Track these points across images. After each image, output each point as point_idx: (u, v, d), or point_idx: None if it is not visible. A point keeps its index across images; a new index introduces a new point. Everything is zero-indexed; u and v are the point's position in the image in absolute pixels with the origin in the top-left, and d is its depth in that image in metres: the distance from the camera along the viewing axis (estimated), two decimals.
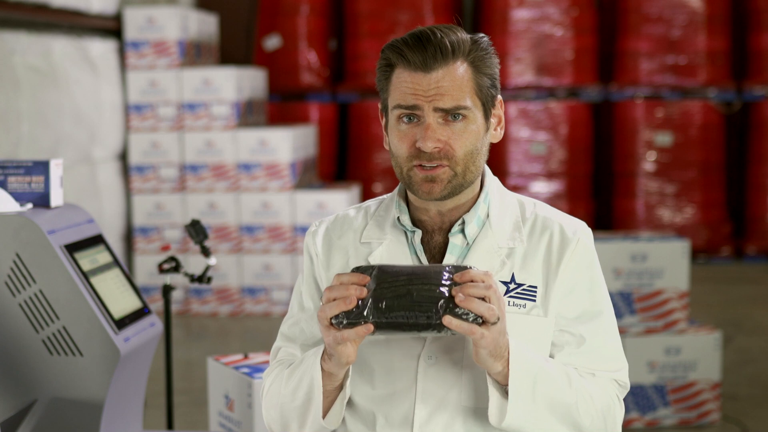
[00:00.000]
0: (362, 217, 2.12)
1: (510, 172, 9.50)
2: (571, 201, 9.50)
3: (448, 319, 1.81)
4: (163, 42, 7.63)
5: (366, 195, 8.93)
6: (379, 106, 2.06)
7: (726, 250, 9.42)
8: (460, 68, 1.94)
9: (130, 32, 7.66)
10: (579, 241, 2.04)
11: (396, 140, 1.98)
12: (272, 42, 9.61)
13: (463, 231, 2.03)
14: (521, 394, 1.90)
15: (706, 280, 8.45)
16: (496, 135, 2.05)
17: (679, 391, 4.99)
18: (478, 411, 1.98)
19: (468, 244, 2.03)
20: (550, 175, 9.49)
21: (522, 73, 9.54)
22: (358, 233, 2.09)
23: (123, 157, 7.79)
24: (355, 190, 7.90)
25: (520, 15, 9.47)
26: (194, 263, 7.33)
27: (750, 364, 6.07)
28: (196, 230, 3.77)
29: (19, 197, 3.00)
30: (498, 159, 9.58)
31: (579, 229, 2.06)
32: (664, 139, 9.40)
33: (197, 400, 5.35)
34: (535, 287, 2.01)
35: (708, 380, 4.99)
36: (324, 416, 2.00)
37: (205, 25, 8.21)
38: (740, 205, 9.69)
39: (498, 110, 2.04)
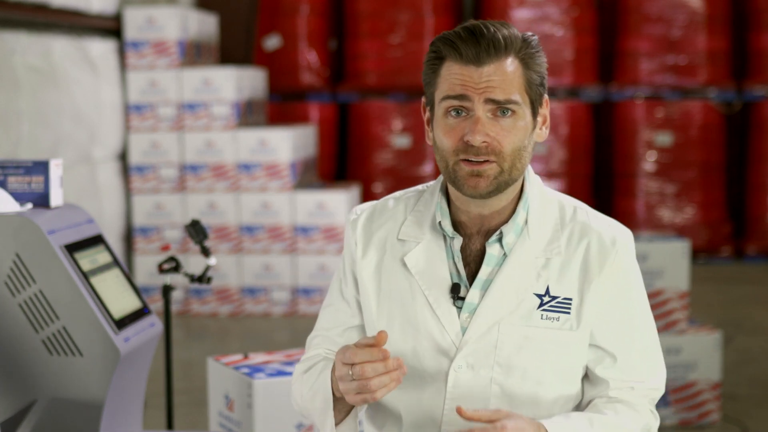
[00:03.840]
0: (402, 209, 2.10)
1: None
2: None
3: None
4: (163, 42, 7.63)
5: (366, 195, 8.93)
6: (423, 100, 2.03)
7: (726, 250, 9.42)
8: (511, 64, 1.93)
9: (130, 32, 7.66)
10: (617, 253, 2.00)
11: (442, 134, 1.96)
12: (272, 42, 9.61)
13: (500, 241, 2.01)
14: None
15: (707, 280, 8.44)
16: (541, 134, 2.02)
17: (679, 391, 4.99)
18: None
19: (505, 254, 2.00)
20: (550, 175, 9.48)
21: None
22: (397, 227, 2.07)
23: (123, 157, 7.79)
24: (355, 190, 7.90)
25: (520, 15, 9.47)
26: (194, 263, 7.32)
27: (750, 364, 6.07)
28: (196, 230, 3.77)
29: (19, 197, 2.99)
30: None
31: (618, 238, 2.02)
32: (665, 139, 9.40)
33: (197, 400, 5.35)
34: (570, 299, 1.99)
35: (708, 380, 4.99)
36: (338, 425, 2.00)
37: (204, 25, 8.21)
38: (740, 205, 9.69)
39: (544, 109, 2.02)
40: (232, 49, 8.71)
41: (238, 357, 3.46)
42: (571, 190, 9.50)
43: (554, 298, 1.98)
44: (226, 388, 3.36)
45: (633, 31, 9.49)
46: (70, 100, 6.94)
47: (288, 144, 7.51)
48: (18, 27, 6.57)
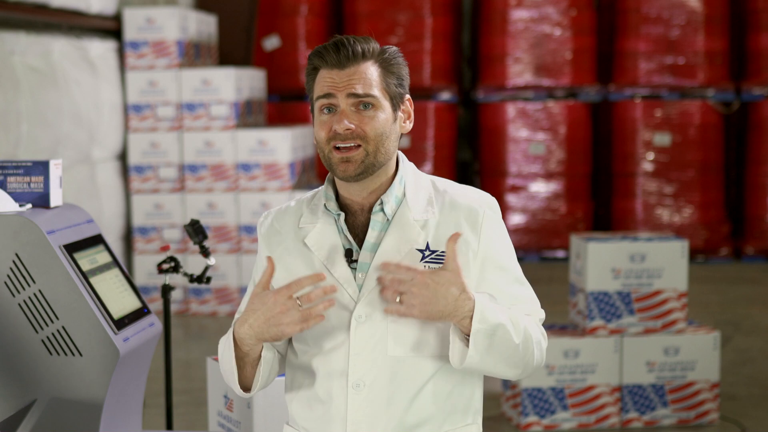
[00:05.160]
0: (299, 206, 2.47)
1: (509, 172, 9.50)
2: (570, 201, 9.51)
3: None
4: (162, 42, 7.64)
5: None
6: (310, 107, 2.40)
7: (724, 250, 9.43)
8: (370, 68, 2.34)
9: (130, 32, 7.66)
10: (485, 213, 2.38)
11: (318, 128, 2.35)
12: (271, 42, 9.62)
13: (383, 209, 2.36)
14: (480, 347, 2.24)
15: (705, 280, 8.45)
16: (405, 127, 2.42)
17: (677, 391, 5.00)
18: (403, 359, 2.32)
19: (388, 220, 2.36)
20: (548, 176, 9.49)
21: (521, 74, 9.54)
22: (297, 220, 2.44)
23: (122, 157, 7.80)
24: None
25: (519, 15, 9.48)
26: (193, 263, 7.33)
27: (748, 364, 6.08)
28: (195, 230, 3.77)
29: (19, 197, 3.00)
30: (497, 159, 9.58)
31: (485, 203, 2.40)
32: (663, 139, 9.41)
33: (196, 400, 5.36)
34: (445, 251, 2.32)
35: (706, 380, 5.00)
36: (252, 382, 2.39)
37: (204, 25, 8.21)
38: (739, 205, 9.70)
39: (407, 107, 2.41)
40: (231, 50, 8.71)
41: None
42: (570, 191, 9.51)
43: (434, 251, 2.34)
44: (225, 388, 3.37)
45: (631, 32, 9.50)
46: (69, 101, 6.94)
47: (287, 144, 7.52)
48: (17, 27, 6.57)
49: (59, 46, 6.96)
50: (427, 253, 2.34)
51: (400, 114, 2.39)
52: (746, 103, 9.61)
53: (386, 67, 2.36)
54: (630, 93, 9.53)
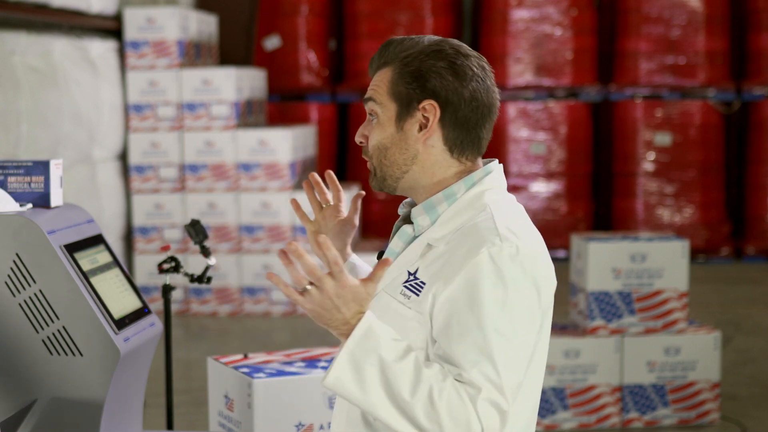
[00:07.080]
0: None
1: (509, 173, 9.50)
2: (571, 201, 9.51)
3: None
4: (162, 42, 7.64)
5: (366, 195, 8.93)
6: None
7: (725, 250, 9.42)
8: (388, 72, 2.13)
9: (130, 32, 7.66)
10: (480, 256, 2.00)
11: None
12: (272, 42, 9.61)
13: (413, 222, 2.20)
14: (350, 363, 1.94)
15: (706, 280, 8.45)
16: (421, 137, 2.12)
17: (678, 391, 5.00)
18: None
19: (416, 236, 2.17)
20: (549, 175, 9.49)
21: (521, 73, 9.54)
22: None
23: (123, 157, 7.80)
24: (354, 190, 7.90)
25: (520, 15, 9.47)
26: (194, 263, 7.33)
27: (749, 364, 6.08)
28: (196, 230, 3.77)
29: (19, 197, 3.00)
30: (497, 159, 9.57)
31: (496, 246, 2.01)
32: (664, 139, 9.41)
33: (197, 400, 5.36)
34: (425, 284, 2.06)
35: (707, 380, 5.00)
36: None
37: (204, 25, 8.21)
38: (739, 205, 9.70)
39: (426, 114, 2.10)
40: (231, 50, 8.71)
41: (237, 357, 3.47)
42: (571, 190, 9.51)
43: (416, 279, 2.08)
44: (225, 388, 3.37)
45: (632, 32, 9.50)
46: (70, 100, 6.94)
47: (287, 144, 7.52)
48: (18, 27, 6.57)
49: (60, 46, 6.96)
50: (411, 278, 2.09)
51: (409, 121, 2.11)
52: (747, 103, 9.61)
53: (402, 68, 2.10)
54: (631, 93, 9.53)
